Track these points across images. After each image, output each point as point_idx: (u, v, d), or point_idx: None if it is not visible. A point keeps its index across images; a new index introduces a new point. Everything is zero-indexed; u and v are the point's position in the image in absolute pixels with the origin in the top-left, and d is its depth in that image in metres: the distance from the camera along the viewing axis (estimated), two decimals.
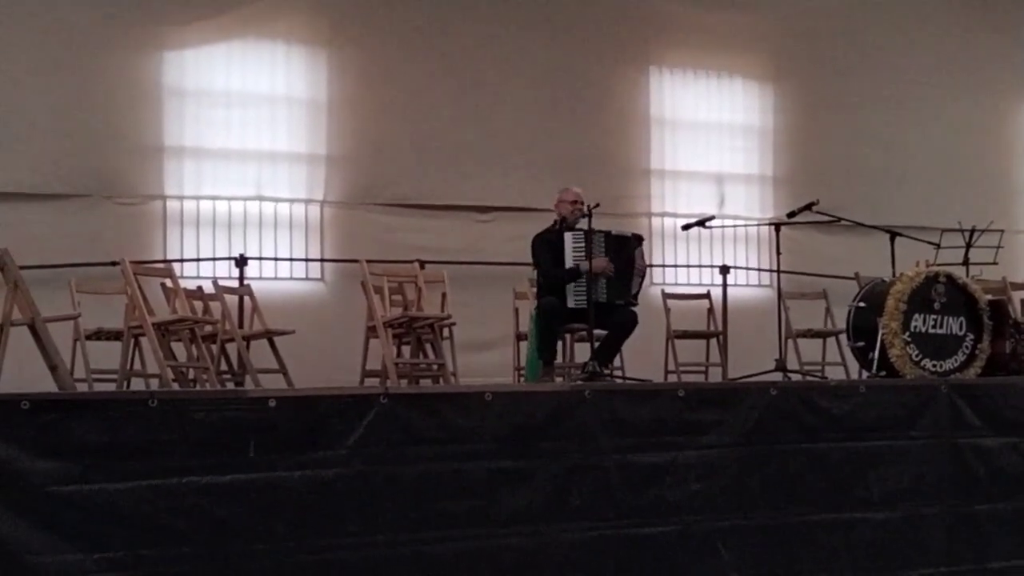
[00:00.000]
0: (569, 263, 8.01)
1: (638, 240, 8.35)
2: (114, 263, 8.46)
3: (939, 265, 8.42)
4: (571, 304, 7.95)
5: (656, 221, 11.72)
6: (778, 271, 8.63)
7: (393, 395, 5.47)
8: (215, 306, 8.78)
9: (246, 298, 9.34)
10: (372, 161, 10.73)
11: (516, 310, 9.35)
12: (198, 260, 10.13)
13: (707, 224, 8.63)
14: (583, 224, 7.93)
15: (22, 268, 7.03)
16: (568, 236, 8.08)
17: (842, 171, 11.93)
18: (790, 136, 12.20)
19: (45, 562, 4.72)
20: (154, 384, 8.08)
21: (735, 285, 11.54)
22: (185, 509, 4.98)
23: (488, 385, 6.13)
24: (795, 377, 8.23)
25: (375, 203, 10.71)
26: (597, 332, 7.96)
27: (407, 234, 10.58)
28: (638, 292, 8.31)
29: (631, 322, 8.09)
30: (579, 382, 7.03)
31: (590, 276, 7.87)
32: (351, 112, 10.69)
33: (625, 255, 8.16)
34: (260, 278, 10.15)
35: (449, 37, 11.00)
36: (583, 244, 8.00)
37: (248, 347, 8.60)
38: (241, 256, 10.08)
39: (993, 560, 6.57)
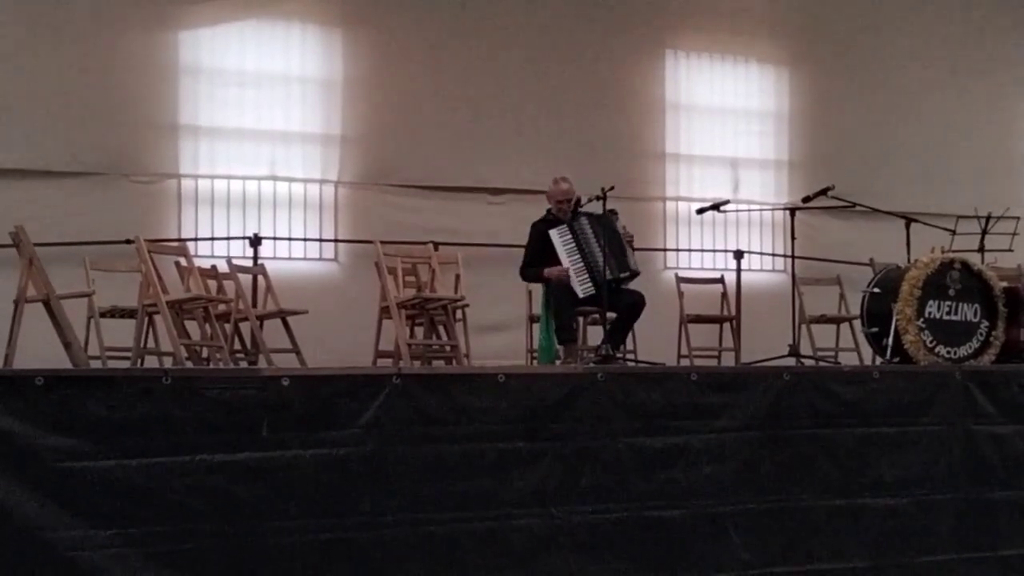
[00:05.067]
0: (563, 258, 8.09)
1: (613, 213, 8.33)
2: (128, 241, 8.47)
3: (954, 251, 8.39)
4: (580, 295, 8.02)
5: (671, 205, 11.69)
6: (792, 256, 8.61)
7: (406, 376, 5.49)
8: (229, 285, 8.78)
9: (260, 278, 9.35)
10: (386, 142, 10.71)
11: (529, 292, 9.34)
12: (212, 239, 10.13)
13: (721, 208, 8.60)
14: (591, 208, 7.99)
15: (37, 245, 7.06)
16: (553, 234, 8.17)
17: (858, 156, 11.87)
18: (805, 121, 12.15)
19: (58, 537, 4.76)
20: (168, 362, 8.09)
21: (749, 270, 11.51)
22: (198, 486, 5.01)
23: (501, 367, 6.13)
24: (808, 363, 8.21)
25: (389, 184, 10.70)
26: (609, 315, 7.98)
27: (421, 215, 10.57)
28: (635, 261, 8.33)
29: (639, 304, 8.12)
30: (592, 365, 7.02)
31: (586, 263, 8.01)
32: (365, 92, 10.68)
33: (612, 229, 8.19)
34: (274, 258, 10.17)
35: (464, 19, 10.96)
36: (570, 236, 8.13)
37: (261, 327, 8.61)
38: (255, 236, 10.08)
39: (1005, 548, 6.57)
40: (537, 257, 8.29)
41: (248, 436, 5.12)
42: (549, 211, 8.46)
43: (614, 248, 8.07)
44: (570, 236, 8.11)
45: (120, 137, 9.91)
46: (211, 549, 5.02)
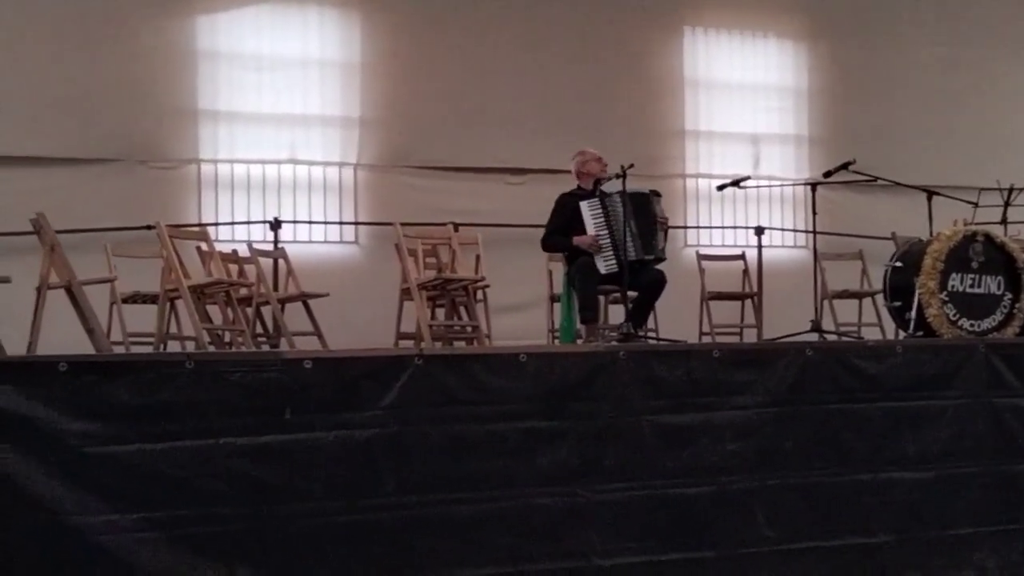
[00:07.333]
0: (591, 231, 7.99)
1: (656, 194, 8.26)
2: (149, 227, 8.50)
3: (977, 224, 8.33)
4: (603, 271, 7.95)
5: (691, 182, 11.67)
6: (814, 232, 8.57)
7: (427, 356, 5.48)
8: (250, 269, 8.81)
9: (280, 261, 9.38)
10: (405, 124, 10.71)
11: (549, 272, 9.33)
12: (232, 224, 10.16)
13: (742, 185, 8.55)
14: (612, 186, 7.94)
15: (58, 232, 7.10)
16: (584, 206, 8.05)
17: (878, 130, 11.79)
18: (825, 95, 12.09)
19: (83, 522, 4.77)
20: (190, 346, 8.11)
21: (770, 246, 11.48)
22: (221, 470, 5.02)
23: (522, 346, 6.12)
24: (831, 338, 8.18)
25: (408, 166, 10.71)
26: (630, 293, 7.95)
27: (440, 196, 10.57)
28: (664, 246, 8.25)
29: (660, 281, 8.04)
30: (613, 343, 7.00)
31: (612, 240, 7.90)
32: (384, 75, 10.67)
33: (646, 210, 8.06)
34: (294, 241, 10.21)
35: None
36: (600, 210, 8.00)
37: (283, 310, 8.64)
38: (275, 219, 10.11)
39: None
40: (561, 227, 8.22)
41: (271, 419, 5.12)
42: (579, 186, 8.40)
43: (643, 229, 7.96)
44: (600, 211, 8.01)
45: (139, 123, 9.94)
46: (236, 532, 5.03)
